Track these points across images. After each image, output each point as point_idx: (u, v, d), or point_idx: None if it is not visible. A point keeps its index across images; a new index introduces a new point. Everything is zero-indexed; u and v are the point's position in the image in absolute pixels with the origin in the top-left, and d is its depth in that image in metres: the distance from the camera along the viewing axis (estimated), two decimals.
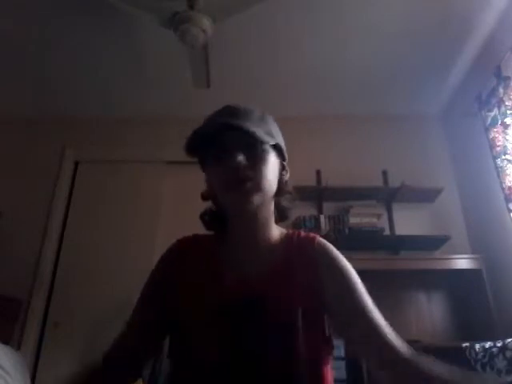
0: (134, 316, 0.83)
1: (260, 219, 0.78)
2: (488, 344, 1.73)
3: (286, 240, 0.82)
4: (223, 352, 0.69)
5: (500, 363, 1.61)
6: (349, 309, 0.72)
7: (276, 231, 0.82)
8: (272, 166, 0.76)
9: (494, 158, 2.30)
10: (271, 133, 0.77)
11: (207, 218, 0.85)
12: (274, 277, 0.75)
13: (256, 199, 0.72)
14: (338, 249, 0.79)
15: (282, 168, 0.81)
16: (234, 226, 0.81)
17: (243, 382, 0.68)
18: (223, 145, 0.74)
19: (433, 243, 2.58)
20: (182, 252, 0.82)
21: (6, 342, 2.10)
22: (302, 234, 0.83)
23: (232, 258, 0.78)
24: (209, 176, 0.80)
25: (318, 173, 2.80)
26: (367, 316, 0.70)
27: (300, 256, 0.78)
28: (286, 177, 0.82)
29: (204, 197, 0.83)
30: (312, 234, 0.82)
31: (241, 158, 0.71)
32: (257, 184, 0.72)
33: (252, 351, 0.68)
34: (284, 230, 0.85)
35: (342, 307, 0.73)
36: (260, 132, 0.72)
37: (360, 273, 0.76)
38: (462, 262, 2.35)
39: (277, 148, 0.78)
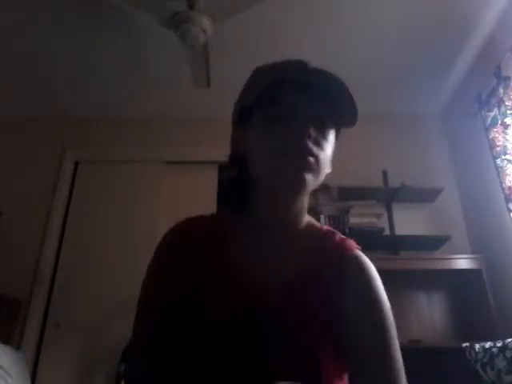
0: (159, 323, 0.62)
1: (297, 205, 0.66)
2: (488, 344, 1.73)
3: (316, 238, 0.68)
4: (225, 368, 0.58)
5: (500, 363, 1.60)
6: (368, 347, 0.58)
7: (307, 223, 0.70)
8: (331, 151, 0.65)
9: (494, 158, 2.30)
10: (355, 111, 0.64)
11: (229, 191, 0.72)
12: (294, 283, 0.62)
13: (310, 181, 0.60)
14: None
15: None
16: (260, 208, 0.67)
17: None
18: (289, 105, 0.61)
19: (433, 243, 2.58)
20: (185, 239, 0.67)
21: (6, 342, 2.10)
22: (338, 237, 0.69)
23: (248, 249, 0.65)
24: (254, 136, 0.64)
25: None
26: (386, 363, 0.57)
27: (329, 265, 0.64)
28: (328, 169, 0.67)
29: (233, 158, 0.70)
30: (349, 243, 0.68)
31: (312, 129, 0.59)
32: (318, 163, 0.60)
33: (261, 373, 0.56)
34: (316, 224, 0.72)
35: (361, 342, 0.59)
36: (348, 103, 0.62)
37: None
38: (462, 262, 2.35)
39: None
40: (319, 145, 0.61)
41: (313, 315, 0.61)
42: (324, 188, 0.70)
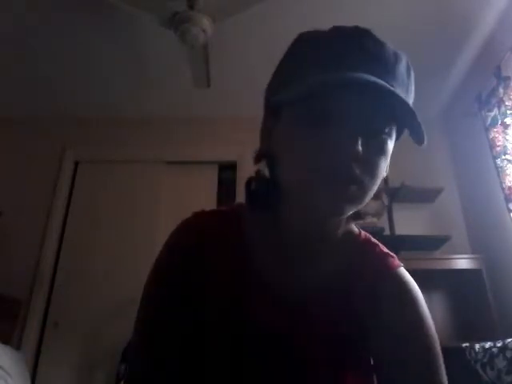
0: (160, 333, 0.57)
1: (332, 224, 0.57)
2: (488, 344, 1.73)
3: (353, 249, 0.59)
4: None
5: (500, 363, 1.60)
6: (413, 373, 0.51)
7: (343, 231, 0.59)
8: (386, 162, 0.52)
9: (494, 158, 2.30)
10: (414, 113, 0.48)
11: (257, 189, 0.59)
12: (318, 303, 0.55)
13: (349, 211, 0.49)
14: None
15: None
16: (288, 215, 0.57)
17: None
18: (337, 107, 0.46)
19: (433, 243, 2.57)
20: (196, 244, 0.59)
21: (6, 342, 2.10)
22: (379, 249, 0.60)
23: (270, 256, 0.57)
24: (286, 136, 0.51)
25: None
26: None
27: (364, 282, 0.56)
28: (386, 172, 0.55)
29: (258, 158, 0.57)
30: (392, 259, 0.59)
31: (360, 146, 0.45)
32: (362, 192, 0.48)
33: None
34: (354, 231, 0.62)
35: (404, 368, 0.52)
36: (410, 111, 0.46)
37: None
38: (462, 262, 2.35)
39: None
40: (370, 159, 0.47)
41: (331, 341, 0.54)
42: None
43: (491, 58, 2.33)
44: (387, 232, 2.63)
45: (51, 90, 2.89)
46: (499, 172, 2.26)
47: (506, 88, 2.18)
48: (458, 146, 2.90)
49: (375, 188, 0.51)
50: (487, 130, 2.37)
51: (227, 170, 2.97)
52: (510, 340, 1.66)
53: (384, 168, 0.51)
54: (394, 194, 2.68)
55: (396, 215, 2.72)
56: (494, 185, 2.32)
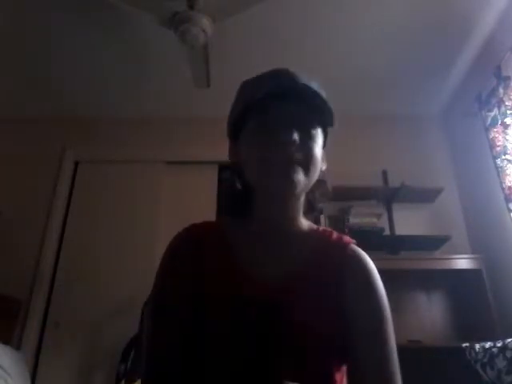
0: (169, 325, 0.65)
1: (293, 207, 0.69)
2: (488, 344, 1.73)
3: (315, 238, 0.72)
4: (232, 364, 0.60)
5: (500, 363, 1.60)
6: (363, 350, 0.61)
7: (304, 224, 0.73)
8: (320, 151, 0.67)
9: (494, 158, 2.30)
10: (332, 112, 0.66)
11: (229, 198, 0.76)
12: (296, 281, 0.65)
13: (300, 183, 0.63)
14: None
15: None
16: (259, 211, 0.71)
17: None
18: (273, 114, 0.65)
19: (433, 243, 2.57)
20: (194, 243, 0.70)
21: (6, 342, 2.10)
22: (335, 235, 0.72)
23: (250, 252, 0.68)
24: (245, 148, 0.68)
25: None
26: (380, 369, 0.60)
27: (328, 260, 0.68)
28: (324, 167, 0.72)
29: (232, 167, 0.74)
30: (346, 239, 0.72)
31: (296, 135, 0.62)
32: (306, 165, 0.64)
33: (262, 367, 0.59)
34: (313, 225, 0.75)
35: (358, 333, 0.62)
36: (325, 106, 0.64)
37: None
38: (462, 262, 2.35)
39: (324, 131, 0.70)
40: (306, 147, 0.64)
41: (315, 313, 0.63)
42: (322, 187, 0.75)
43: (491, 58, 2.33)
44: (387, 232, 2.63)
45: (51, 90, 2.89)
46: (499, 172, 2.26)
47: (506, 88, 2.18)
48: (457, 146, 2.90)
49: (317, 170, 0.67)
50: (487, 129, 2.37)
51: (227, 170, 2.96)
52: (510, 340, 1.66)
53: (319, 154, 0.67)
54: (394, 193, 2.69)
55: (396, 215, 2.73)
56: (494, 185, 2.32)
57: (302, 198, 0.71)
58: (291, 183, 0.62)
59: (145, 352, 0.65)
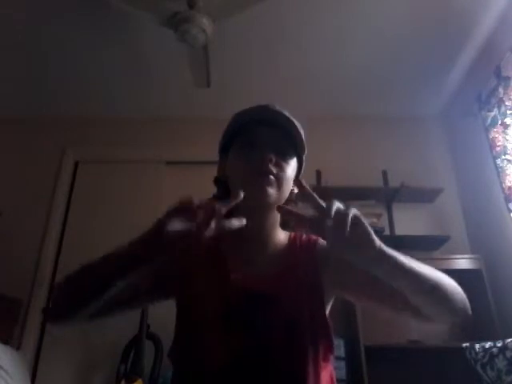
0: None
1: (269, 218, 0.81)
2: (488, 344, 1.73)
3: (290, 242, 0.85)
4: (228, 352, 0.69)
5: (500, 363, 1.61)
6: (363, 277, 0.70)
7: (281, 234, 0.85)
8: (292, 173, 0.80)
9: (494, 158, 2.30)
10: (303, 144, 0.82)
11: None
12: (281, 277, 0.76)
13: (273, 194, 0.75)
14: None
15: (295, 179, 0.83)
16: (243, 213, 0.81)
17: (249, 381, 0.68)
18: (256, 137, 0.79)
19: (433, 243, 2.57)
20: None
21: (6, 342, 2.10)
22: (304, 235, 0.86)
23: (237, 257, 0.79)
24: (231, 162, 0.82)
25: (318, 173, 2.79)
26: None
27: (304, 258, 0.80)
28: (295, 189, 0.83)
29: (216, 183, 0.89)
30: (313, 237, 0.85)
31: (272, 156, 0.75)
32: (278, 180, 0.76)
33: (258, 350, 0.69)
34: (287, 233, 0.88)
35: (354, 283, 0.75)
36: (299, 138, 0.79)
37: None
38: (462, 262, 2.35)
39: (298, 160, 0.83)
40: (280, 167, 0.77)
41: (301, 296, 0.74)
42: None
43: (491, 57, 2.33)
44: (387, 232, 2.63)
45: (51, 90, 2.89)
46: (499, 172, 2.26)
47: (506, 88, 2.18)
48: (457, 146, 2.90)
49: (287, 187, 0.79)
50: (487, 130, 2.37)
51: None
52: (509, 340, 1.66)
53: (291, 176, 0.80)
54: (394, 193, 2.69)
55: (396, 215, 2.73)
56: (494, 185, 2.33)
57: (277, 214, 0.80)
58: (265, 194, 0.74)
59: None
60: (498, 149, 2.27)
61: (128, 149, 3.02)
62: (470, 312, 0.69)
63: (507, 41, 2.19)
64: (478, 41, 2.43)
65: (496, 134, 2.28)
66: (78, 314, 0.69)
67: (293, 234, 0.87)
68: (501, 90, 2.21)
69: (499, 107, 2.24)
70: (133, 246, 0.66)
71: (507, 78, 2.16)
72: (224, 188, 0.85)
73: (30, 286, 2.58)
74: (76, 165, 3.03)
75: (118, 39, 2.44)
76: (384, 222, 2.64)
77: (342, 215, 0.57)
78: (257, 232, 0.80)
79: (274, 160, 0.75)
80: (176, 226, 0.60)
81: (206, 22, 1.92)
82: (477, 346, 1.76)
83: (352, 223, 0.57)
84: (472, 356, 1.75)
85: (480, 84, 2.43)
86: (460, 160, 2.87)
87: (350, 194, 2.65)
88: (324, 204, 0.59)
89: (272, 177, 0.75)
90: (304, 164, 0.87)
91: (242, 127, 0.80)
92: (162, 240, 0.60)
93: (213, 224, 0.61)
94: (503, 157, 2.22)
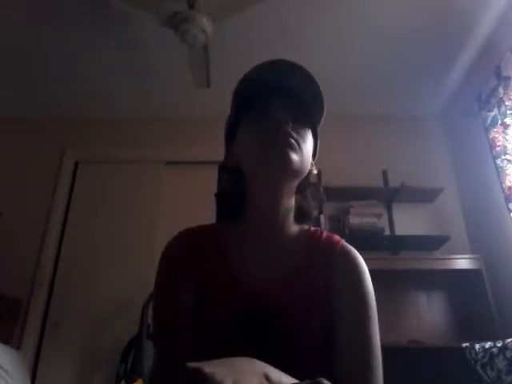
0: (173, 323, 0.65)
1: (282, 209, 0.70)
2: (488, 344, 1.73)
3: (306, 239, 0.73)
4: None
5: (500, 363, 1.60)
6: (350, 340, 0.62)
7: (295, 227, 0.73)
8: (311, 147, 0.71)
9: (494, 158, 2.30)
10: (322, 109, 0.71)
11: (223, 200, 0.77)
12: (289, 286, 0.67)
13: (296, 160, 0.65)
14: None
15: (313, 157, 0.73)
16: (252, 212, 0.71)
17: None
18: (266, 105, 0.68)
19: (433, 243, 2.57)
20: (186, 248, 0.71)
21: (6, 342, 2.10)
22: (325, 234, 0.74)
23: (244, 255, 0.70)
24: (241, 138, 0.70)
25: (319, 173, 2.78)
26: (365, 358, 0.60)
27: (320, 260, 0.69)
28: (314, 170, 0.73)
29: (224, 167, 0.76)
30: (336, 237, 0.73)
31: (287, 116, 0.66)
32: (300, 146, 0.66)
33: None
34: (305, 227, 0.76)
35: (342, 334, 0.63)
36: (319, 101, 0.70)
37: None
38: (462, 262, 2.35)
39: (313, 132, 0.72)
40: (298, 129, 0.67)
41: (304, 313, 0.65)
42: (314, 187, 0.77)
43: (491, 57, 2.33)
44: (387, 232, 2.63)
45: (51, 90, 2.89)
46: (499, 172, 2.26)
47: (506, 88, 2.18)
48: (457, 146, 2.90)
49: (308, 157, 0.69)
50: (487, 130, 2.37)
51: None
52: (509, 340, 1.66)
53: (310, 140, 0.70)
54: (394, 194, 2.69)
55: (396, 215, 2.73)
56: (494, 185, 2.33)
57: (292, 201, 0.72)
58: (289, 160, 0.64)
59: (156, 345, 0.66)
60: (497, 149, 2.27)
61: (128, 149, 3.02)
62: None
63: (507, 41, 2.19)
64: (477, 41, 2.43)
65: (496, 134, 2.28)
66: None
67: (313, 229, 0.75)
68: (501, 89, 2.21)
69: (499, 107, 2.24)
70: None
71: (507, 78, 2.16)
72: (231, 177, 0.75)
73: (30, 285, 2.58)
74: (76, 165, 3.03)
75: (117, 39, 2.44)
76: (384, 222, 2.64)
77: None
78: (267, 225, 0.70)
79: (291, 125, 0.66)
80: None
81: (206, 22, 1.92)
82: (477, 345, 1.76)
83: None
84: (472, 356, 1.75)
85: (480, 84, 2.43)
86: (460, 160, 2.87)
87: (350, 194, 2.66)
88: None
89: (293, 140, 0.65)
90: (319, 141, 0.76)
91: (251, 98, 0.70)
92: None
93: None
94: (503, 157, 2.22)
